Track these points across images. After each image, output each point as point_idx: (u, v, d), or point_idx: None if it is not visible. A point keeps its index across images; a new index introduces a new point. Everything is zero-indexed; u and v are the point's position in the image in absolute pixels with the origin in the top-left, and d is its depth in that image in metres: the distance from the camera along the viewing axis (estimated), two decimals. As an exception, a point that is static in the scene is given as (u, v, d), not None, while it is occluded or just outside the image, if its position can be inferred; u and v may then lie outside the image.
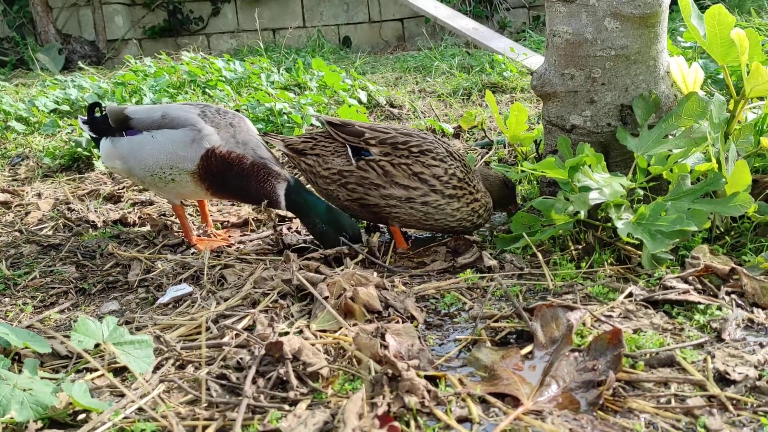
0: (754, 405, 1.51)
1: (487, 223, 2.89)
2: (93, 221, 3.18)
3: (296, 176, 3.06)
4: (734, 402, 1.52)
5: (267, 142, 2.92)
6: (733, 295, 2.01)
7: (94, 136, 2.98)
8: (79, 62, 9.48)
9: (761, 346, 1.76)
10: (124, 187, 3.79)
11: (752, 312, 1.93)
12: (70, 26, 10.08)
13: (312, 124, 4.93)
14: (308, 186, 2.85)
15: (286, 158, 2.82)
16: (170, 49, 10.10)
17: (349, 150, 2.68)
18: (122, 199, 3.62)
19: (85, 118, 3.02)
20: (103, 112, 2.94)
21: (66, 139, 4.66)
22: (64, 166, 4.37)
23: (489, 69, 6.76)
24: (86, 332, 1.75)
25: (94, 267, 2.73)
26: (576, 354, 1.72)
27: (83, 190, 3.80)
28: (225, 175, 2.68)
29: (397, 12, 11.42)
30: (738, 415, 1.48)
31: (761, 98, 2.75)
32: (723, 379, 1.61)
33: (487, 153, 4.10)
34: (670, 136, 2.62)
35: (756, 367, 1.64)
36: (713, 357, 1.69)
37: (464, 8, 11.13)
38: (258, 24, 9.68)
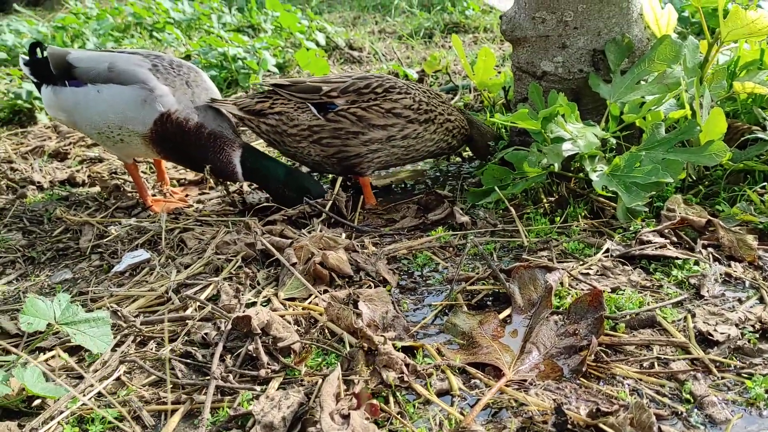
0: (738, 367, 1.49)
1: (462, 147, 2.85)
2: (38, 182, 2.98)
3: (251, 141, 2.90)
4: (717, 364, 1.50)
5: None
6: (709, 249, 1.98)
7: (35, 81, 2.71)
8: (15, 3, 8.89)
9: (740, 302, 1.73)
10: (70, 143, 3.57)
11: (729, 266, 1.90)
12: (2, -36, 9.37)
13: (269, 70, 4.71)
14: (268, 149, 2.71)
15: (241, 122, 2.63)
16: (113, -13, 9.53)
17: (312, 108, 2.54)
18: (69, 156, 3.41)
19: (27, 58, 2.74)
20: (44, 54, 2.67)
21: (5, 90, 4.35)
22: (4, 119, 4.09)
23: (451, 7, 6.55)
24: (36, 313, 1.62)
25: (43, 233, 2.56)
26: (556, 317, 1.67)
27: (26, 146, 3.56)
28: (180, 143, 2.49)
29: (353, -54, 10.94)
30: (722, 378, 1.46)
31: (733, 41, 2.68)
32: (705, 340, 1.58)
33: (452, 98, 3.98)
34: (643, 82, 2.54)
35: (737, 325, 1.61)
36: (694, 316, 1.66)
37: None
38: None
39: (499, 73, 3.39)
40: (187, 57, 5.09)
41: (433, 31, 6.10)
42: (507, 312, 1.76)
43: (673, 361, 1.51)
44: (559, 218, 2.28)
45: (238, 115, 2.58)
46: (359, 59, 5.49)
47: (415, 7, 6.96)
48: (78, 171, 3.14)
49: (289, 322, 1.73)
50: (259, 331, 1.63)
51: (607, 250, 2.01)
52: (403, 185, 2.94)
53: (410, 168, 3.08)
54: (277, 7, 6.12)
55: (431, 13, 6.69)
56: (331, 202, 2.46)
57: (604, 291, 1.74)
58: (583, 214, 2.30)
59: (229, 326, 1.68)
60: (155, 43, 5.68)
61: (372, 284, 1.99)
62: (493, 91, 3.30)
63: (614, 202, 2.33)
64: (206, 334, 1.72)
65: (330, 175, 3.03)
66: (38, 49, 2.70)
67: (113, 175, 3.15)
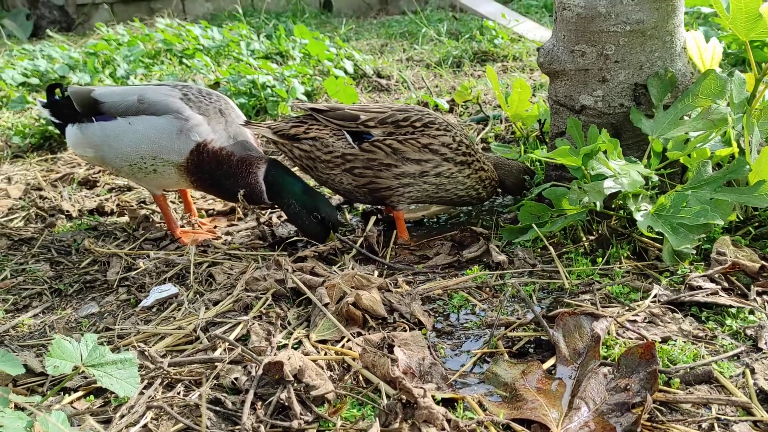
0: (806, 430, 1.38)
1: (490, 200, 2.78)
2: (67, 211, 2.96)
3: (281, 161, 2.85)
4: (784, 427, 1.39)
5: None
6: (764, 296, 1.87)
7: (57, 121, 2.68)
8: (48, 29, 9.06)
9: (802, 356, 1.63)
10: (99, 171, 3.56)
11: (787, 315, 1.79)
12: (37, -10, 9.58)
13: (297, 98, 4.70)
14: (296, 171, 2.66)
15: (274, 146, 2.59)
16: (143, 13, 9.68)
17: (348, 136, 2.49)
18: (98, 184, 3.39)
19: (45, 101, 2.71)
20: (65, 94, 2.64)
21: (36, 116, 4.38)
22: (34, 145, 4.11)
23: (479, 36, 6.52)
24: (62, 355, 1.56)
25: (70, 264, 2.53)
26: (605, 370, 1.58)
27: (56, 173, 3.56)
28: (213, 173, 2.46)
29: (380, -26, 11.04)
30: (789, 443, 1.35)
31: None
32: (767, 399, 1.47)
33: (483, 129, 3.92)
34: (686, 117, 2.46)
35: (801, 383, 1.51)
36: (753, 372, 1.56)
37: (449, -31, 10.77)
38: (236, -13, 9.27)
39: (532, 104, 3.32)
40: (216, 84, 5.11)
41: (461, 60, 6.06)
42: (551, 361, 1.67)
43: (735, 422, 1.41)
44: (601, 259, 2.18)
45: (272, 138, 2.55)
46: (387, 87, 5.47)
47: (443, 36, 6.94)
48: (107, 200, 3.11)
49: (322, 368, 1.66)
50: (292, 378, 1.56)
51: (655, 296, 1.92)
52: (435, 219, 2.88)
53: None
54: (306, 34, 6.14)
55: (459, 41, 6.66)
56: (362, 238, 2.39)
57: (654, 340, 1.64)
58: (625, 254, 2.21)
59: (260, 371, 1.61)
60: (184, 70, 5.71)
61: (407, 327, 1.91)
62: (528, 123, 3.23)
63: (658, 243, 2.23)
64: (236, 378, 1.65)
65: (361, 207, 2.97)
66: (57, 90, 2.68)
67: (142, 204, 3.12)
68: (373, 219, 2.51)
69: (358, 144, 2.49)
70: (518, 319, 1.85)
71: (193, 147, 2.44)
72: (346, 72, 5.38)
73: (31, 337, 2.11)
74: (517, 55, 6.02)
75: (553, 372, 1.64)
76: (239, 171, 2.46)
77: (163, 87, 2.55)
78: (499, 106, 4.37)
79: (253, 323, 1.92)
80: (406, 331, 1.88)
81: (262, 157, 2.52)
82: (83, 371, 1.65)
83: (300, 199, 2.47)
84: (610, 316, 1.71)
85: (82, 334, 1.98)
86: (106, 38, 6.22)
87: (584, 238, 2.36)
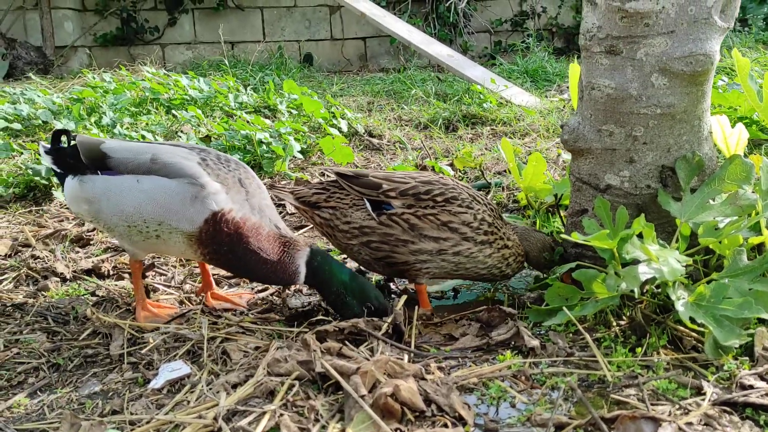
0: None
1: (514, 276, 2.70)
2: (61, 273, 2.77)
3: (310, 236, 2.74)
4: None
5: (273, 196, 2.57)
6: (818, 397, 1.81)
7: (58, 170, 2.48)
8: (25, 69, 8.88)
9: None
10: (94, 229, 3.38)
11: None
12: (15, 30, 9.42)
13: (294, 156, 4.61)
14: (321, 240, 2.55)
15: (296, 211, 2.50)
16: (122, 58, 9.59)
17: (368, 204, 2.42)
18: (92, 243, 3.22)
19: (48, 147, 2.52)
20: (71, 143, 2.46)
21: (21, 164, 4.19)
22: (18, 195, 3.91)
23: (468, 99, 6.58)
24: (86, 457, 1.40)
25: (69, 335, 2.35)
26: (675, 482, 1.48)
27: (45, 228, 3.37)
28: (235, 246, 2.27)
29: (360, 31, 11.22)
30: None
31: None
32: None
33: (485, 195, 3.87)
34: (711, 202, 2.44)
35: None
36: (829, 486, 1.48)
37: (429, 31, 10.99)
38: (221, 37, 9.26)
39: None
40: (207, 137, 5.00)
41: (450, 121, 6.08)
42: (613, 469, 1.57)
43: None
44: (640, 349, 2.10)
45: (293, 204, 2.49)
46: (379, 147, 5.43)
47: (431, 97, 6.99)
48: (103, 261, 2.94)
49: (370, 473, 1.53)
50: (342, 487, 1.43)
51: (705, 394, 1.84)
52: (453, 291, 2.79)
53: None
54: (295, 89, 6.09)
55: (447, 102, 6.71)
56: (389, 320, 2.27)
57: (721, 449, 1.56)
58: (663, 344, 2.14)
59: (304, 477, 1.47)
60: (171, 120, 5.58)
61: (447, 422, 1.79)
62: (541, 196, 3.20)
63: (695, 333, 2.17)
64: (275, 484, 1.50)
65: (376, 276, 2.87)
66: (63, 137, 2.50)
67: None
68: (403, 299, 2.38)
69: (377, 213, 2.42)
70: (570, 419, 1.75)
71: (209, 216, 2.27)
72: (340, 130, 5.32)
73: (28, 419, 1.92)
74: (506, 120, 6.07)
75: (616, 481, 1.54)
76: (269, 247, 2.30)
77: (180, 149, 2.41)
78: (501, 173, 4.36)
79: (282, 414, 1.78)
80: (447, 426, 1.76)
81: (300, 240, 2.37)
82: (104, 473, 1.49)
83: (350, 288, 2.33)
84: (673, 421, 1.63)
85: (92, 423, 1.80)
86: (92, 85, 6.07)
87: (614, 323, 2.29)
